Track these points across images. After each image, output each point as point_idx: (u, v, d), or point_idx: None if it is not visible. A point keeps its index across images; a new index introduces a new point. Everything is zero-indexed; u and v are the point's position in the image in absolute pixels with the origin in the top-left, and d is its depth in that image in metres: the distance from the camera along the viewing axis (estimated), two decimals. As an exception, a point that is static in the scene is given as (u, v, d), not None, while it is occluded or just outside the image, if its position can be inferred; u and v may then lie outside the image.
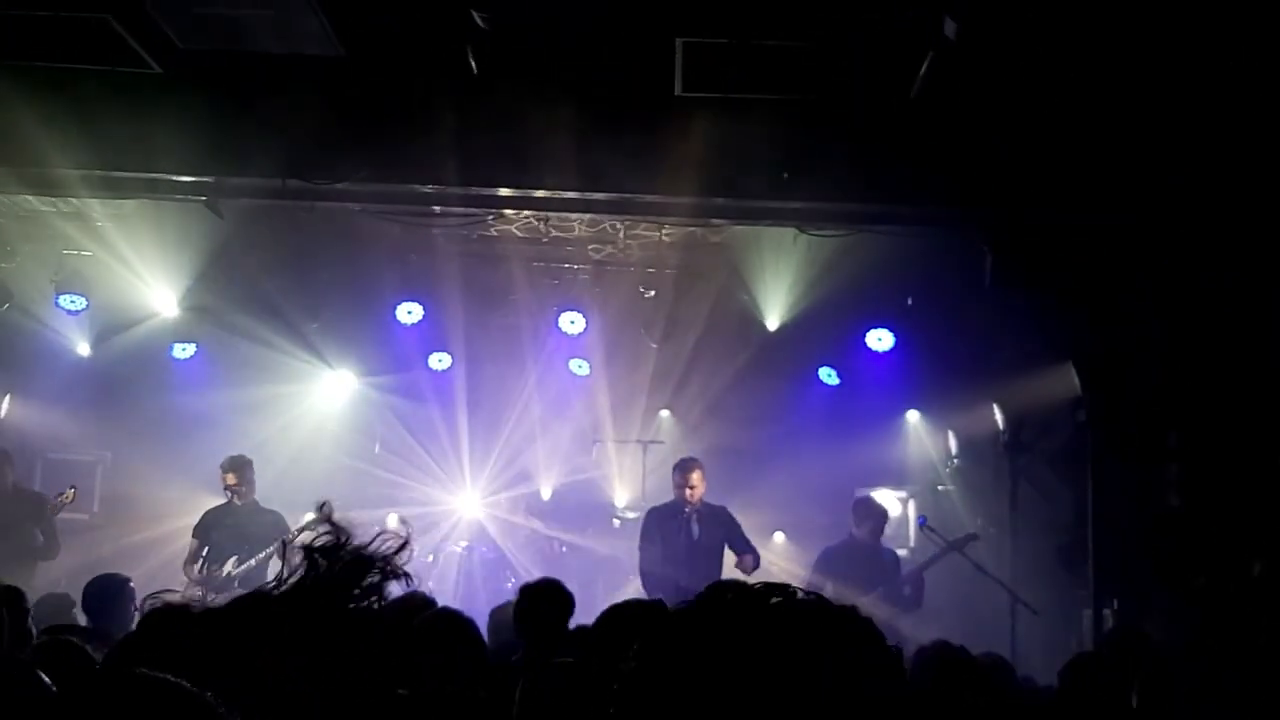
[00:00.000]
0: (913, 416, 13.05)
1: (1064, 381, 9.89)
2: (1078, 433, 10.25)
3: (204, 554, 9.80)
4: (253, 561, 9.57)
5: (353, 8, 7.23)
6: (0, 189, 10.01)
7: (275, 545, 8.73)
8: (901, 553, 11.16)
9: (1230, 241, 8.57)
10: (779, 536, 13.08)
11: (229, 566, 9.70)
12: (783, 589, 1.55)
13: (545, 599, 5.82)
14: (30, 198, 10.58)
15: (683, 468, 10.10)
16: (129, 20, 7.57)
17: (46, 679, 2.81)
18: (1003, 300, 9.53)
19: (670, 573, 9.63)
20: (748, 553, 9.99)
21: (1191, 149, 8.21)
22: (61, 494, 10.17)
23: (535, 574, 12.11)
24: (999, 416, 11.35)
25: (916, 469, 13.02)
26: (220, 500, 10.26)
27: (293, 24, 6.79)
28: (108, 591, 6.88)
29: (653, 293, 12.10)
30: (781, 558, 12.49)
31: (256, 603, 2.29)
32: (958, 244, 9.83)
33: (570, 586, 6.04)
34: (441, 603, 5.55)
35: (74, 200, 10.57)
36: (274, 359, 12.68)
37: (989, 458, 11.90)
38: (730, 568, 9.96)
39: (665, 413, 13.90)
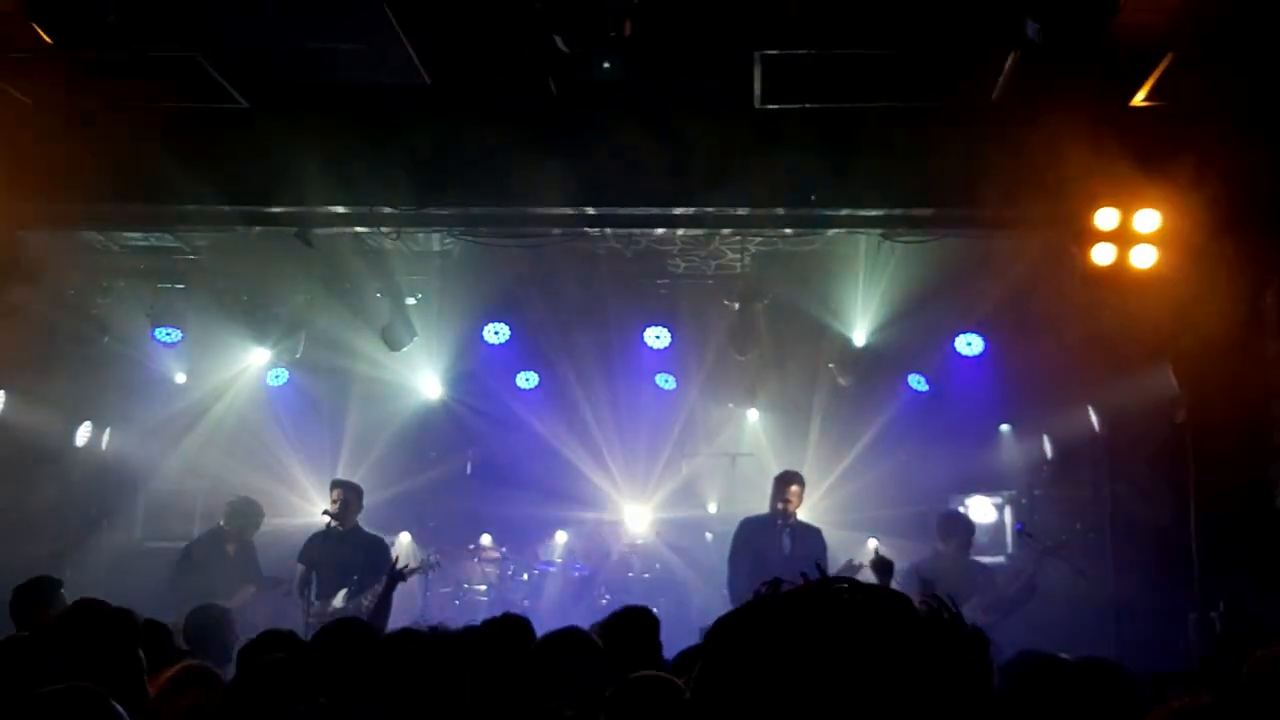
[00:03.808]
0: (1005, 425, 12.86)
1: (1160, 381, 9.68)
2: (1176, 433, 10.02)
3: (311, 579, 9.83)
4: (365, 601, 9.38)
5: (438, 37, 7.31)
6: (95, 225, 10.25)
7: (384, 581, 8.79)
8: (999, 560, 11.00)
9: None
10: (872, 543, 12.93)
11: (338, 601, 9.72)
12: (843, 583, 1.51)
13: (631, 624, 5.80)
14: (124, 232, 10.83)
15: (783, 480, 10.01)
16: (216, 58, 7.74)
17: (120, 709, 2.87)
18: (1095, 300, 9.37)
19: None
20: None
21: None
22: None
23: (628, 591, 12.17)
24: (1094, 418, 11.15)
25: (1012, 474, 12.80)
26: (319, 524, 10.31)
27: (379, 56, 6.89)
28: (208, 622, 6.94)
29: (737, 304, 12.03)
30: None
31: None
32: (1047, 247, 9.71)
33: (661, 604, 6.02)
34: (535, 622, 5.57)
35: (167, 234, 10.81)
36: (364, 383, 12.86)
37: (1086, 460, 11.69)
38: None
39: (753, 421, 13.83)
